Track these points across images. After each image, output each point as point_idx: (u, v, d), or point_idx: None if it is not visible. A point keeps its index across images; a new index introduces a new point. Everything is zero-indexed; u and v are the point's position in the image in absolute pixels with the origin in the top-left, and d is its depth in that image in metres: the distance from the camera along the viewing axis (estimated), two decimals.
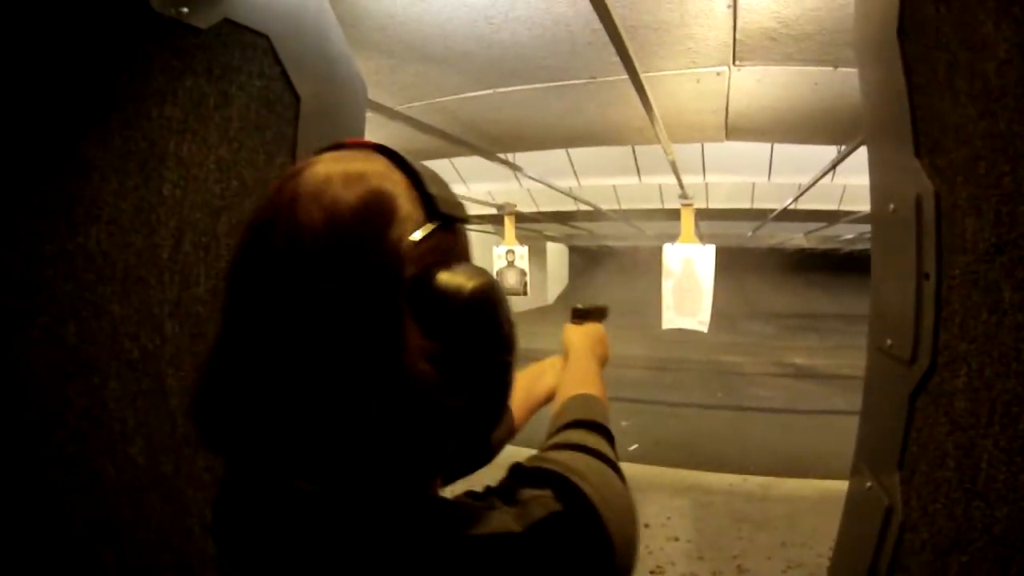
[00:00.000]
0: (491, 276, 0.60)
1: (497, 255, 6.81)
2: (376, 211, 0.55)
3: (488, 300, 0.58)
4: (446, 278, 0.56)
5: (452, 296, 0.55)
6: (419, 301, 0.55)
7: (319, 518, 0.54)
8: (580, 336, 1.21)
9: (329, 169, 0.57)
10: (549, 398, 1.14)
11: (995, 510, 0.67)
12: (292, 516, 0.55)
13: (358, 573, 0.52)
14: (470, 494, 0.61)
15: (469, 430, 0.61)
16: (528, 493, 0.59)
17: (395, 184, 0.58)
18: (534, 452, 0.76)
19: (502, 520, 0.55)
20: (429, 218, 0.58)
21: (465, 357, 0.57)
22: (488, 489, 0.62)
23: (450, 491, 0.65)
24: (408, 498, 0.56)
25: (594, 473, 0.66)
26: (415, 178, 0.60)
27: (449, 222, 0.61)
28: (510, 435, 1.09)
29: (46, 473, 0.96)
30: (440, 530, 0.54)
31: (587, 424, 0.83)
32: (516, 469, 0.65)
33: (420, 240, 0.56)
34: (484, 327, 0.58)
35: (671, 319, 5.04)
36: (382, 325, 0.52)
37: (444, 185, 0.63)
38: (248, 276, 0.56)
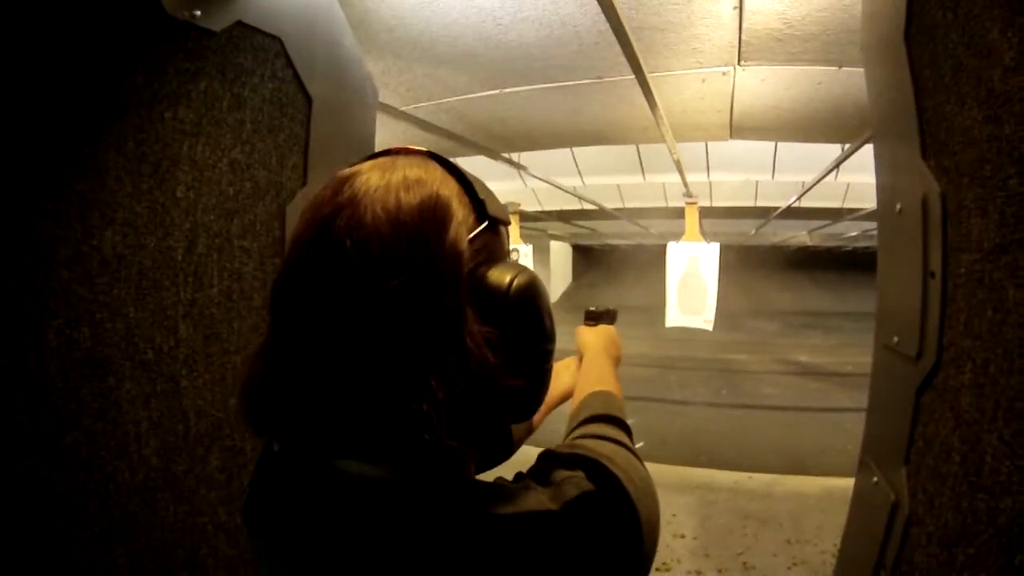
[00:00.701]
0: (533, 272, 0.66)
1: None
2: (435, 214, 0.59)
3: (533, 294, 0.65)
4: (497, 273, 0.63)
5: (504, 289, 0.62)
6: (475, 294, 0.61)
7: (365, 498, 0.57)
8: (594, 337, 1.25)
9: (387, 175, 0.61)
10: (565, 397, 1.17)
11: (1000, 502, 0.68)
12: (337, 497, 0.58)
13: (399, 551, 0.55)
14: (502, 479, 0.64)
15: (518, 411, 0.68)
16: (561, 474, 0.63)
17: (450, 190, 0.63)
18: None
19: (538, 499, 0.59)
20: (479, 221, 0.64)
21: (518, 344, 0.62)
22: (520, 474, 0.66)
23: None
24: (448, 480, 0.59)
25: (621, 458, 0.70)
26: (466, 184, 0.65)
27: (494, 224, 0.67)
28: (528, 432, 1.12)
29: (59, 474, 0.96)
30: (479, 509, 0.57)
31: (606, 418, 0.87)
32: (547, 454, 0.69)
33: (472, 240, 0.62)
34: (532, 317, 0.65)
35: (675, 317, 5.03)
36: (449, 315, 0.57)
37: (490, 192, 0.69)
38: (310, 272, 0.59)
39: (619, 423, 0.86)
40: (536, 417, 1.14)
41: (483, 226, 0.64)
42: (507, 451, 1.04)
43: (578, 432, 0.83)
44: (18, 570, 0.92)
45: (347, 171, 0.64)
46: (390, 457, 0.58)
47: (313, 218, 0.60)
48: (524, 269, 0.65)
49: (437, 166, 0.66)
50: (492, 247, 0.66)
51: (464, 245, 0.60)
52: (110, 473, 1.03)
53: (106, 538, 1.02)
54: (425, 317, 0.56)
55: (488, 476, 0.70)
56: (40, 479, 0.94)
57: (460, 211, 0.62)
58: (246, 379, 0.63)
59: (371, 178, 0.61)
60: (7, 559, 0.91)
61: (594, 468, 0.65)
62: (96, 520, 1.01)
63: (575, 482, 0.62)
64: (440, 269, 0.57)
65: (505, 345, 0.61)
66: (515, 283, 0.63)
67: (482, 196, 0.65)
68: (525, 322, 0.64)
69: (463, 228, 0.61)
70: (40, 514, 0.94)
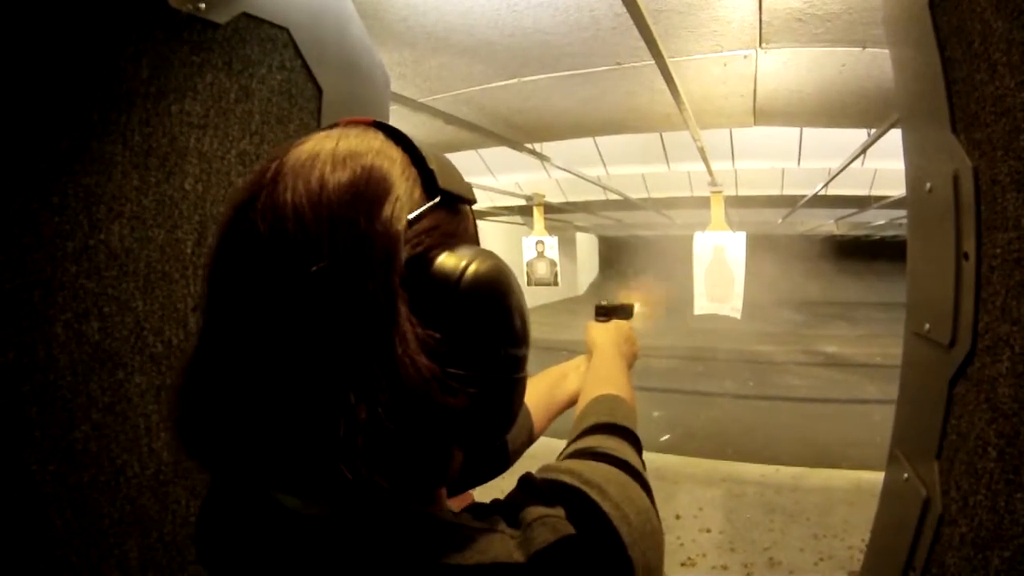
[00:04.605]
0: (499, 259, 0.54)
1: (527, 246, 6.79)
2: (367, 189, 0.49)
3: (494, 285, 0.52)
4: (446, 260, 0.51)
5: (453, 280, 0.50)
6: (417, 286, 0.49)
7: (301, 539, 0.50)
8: (605, 334, 1.16)
9: (318, 146, 0.52)
10: (572, 402, 1.09)
11: None
12: (273, 535, 0.51)
13: None
14: (475, 508, 0.56)
15: (476, 434, 0.54)
16: (536, 512, 0.52)
17: (391, 161, 0.53)
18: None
19: (504, 546, 0.49)
20: (429, 197, 0.53)
21: (469, 350, 0.51)
22: (495, 504, 0.56)
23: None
24: (400, 518, 0.50)
25: (615, 487, 0.59)
26: (415, 154, 0.55)
27: (451, 201, 0.56)
28: (529, 442, 1.05)
29: (69, 468, 0.97)
30: (428, 558, 0.48)
31: (610, 428, 0.78)
32: (526, 482, 0.59)
33: (418, 220, 0.51)
34: (490, 315, 0.52)
35: (703, 305, 4.98)
36: (373, 313, 0.46)
37: (447, 163, 0.58)
38: (227, 263, 0.51)
39: (625, 433, 0.77)
40: (538, 424, 1.08)
41: (433, 203, 0.53)
42: (502, 463, 0.98)
43: (575, 446, 0.73)
44: (29, 563, 0.92)
45: (282, 146, 0.55)
46: (318, 490, 0.49)
47: (232, 201, 0.52)
48: (485, 254, 0.53)
49: (378, 134, 0.56)
50: (449, 229, 0.54)
51: (401, 225, 0.49)
52: (120, 467, 1.03)
53: (118, 532, 1.03)
54: (344, 315, 0.46)
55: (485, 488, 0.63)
56: (49, 472, 0.94)
57: (402, 185, 0.51)
58: (173, 395, 0.55)
59: (300, 153, 0.52)
60: (18, 552, 0.91)
61: (578, 503, 0.54)
62: (107, 514, 1.01)
63: (551, 524, 0.51)
64: (368, 255, 0.47)
65: (455, 350, 0.49)
66: (469, 271, 0.50)
67: (433, 167, 0.54)
68: (481, 320, 0.51)
69: (403, 205, 0.50)
70: (50, 508, 0.94)
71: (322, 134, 0.55)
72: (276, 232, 0.47)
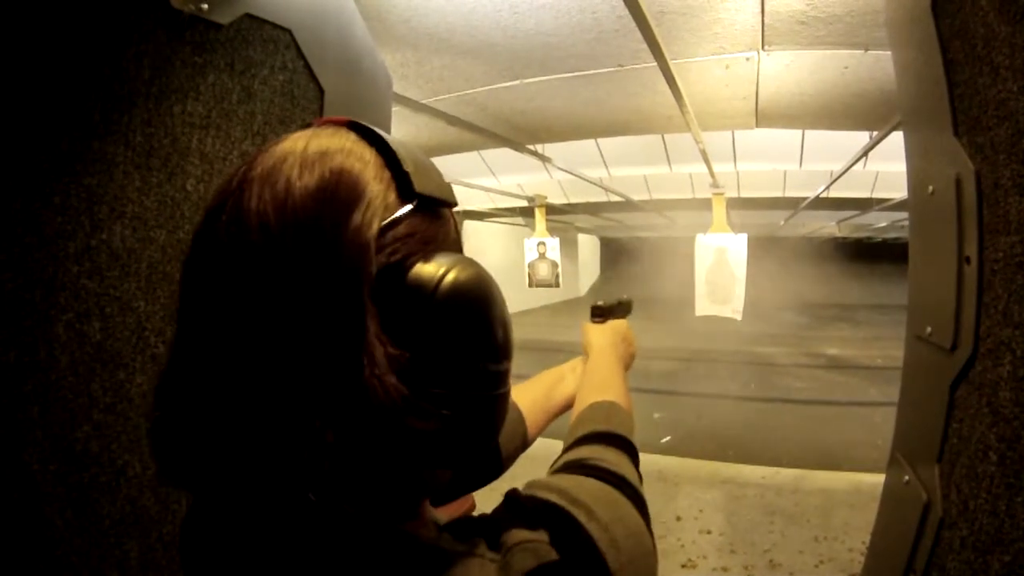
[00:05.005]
0: (479, 267, 0.51)
1: (528, 247, 6.80)
2: (336, 193, 0.46)
3: (473, 295, 0.49)
4: (421, 270, 0.47)
5: (429, 290, 0.47)
6: (388, 299, 0.46)
7: (273, 566, 0.47)
8: (601, 336, 1.13)
9: (286, 148, 0.49)
10: (569, 405, 1.05)
11: None
12: (246, 558, 0.49)
13: None
14: (458, 525, 0.53)
15: (455, 453, 0.50)
16: (518, 535, 0.49)
17: (363, 163, 0.49)
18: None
19: (482, 573, 0.46)
20: (405, 201, 0.50)
21: (447, 365, 0.47)
22: (480, 520, 0.53)
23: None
24: (377, 541, 0.48)
25: (604, 507, 0.56)
26: (389, 155, 0.51)
27: (430, 205, 0.52)
28: (523, 447, 1.03)
29: (70, 468, 0.96)
30: None
31: (606, 437, 0.75)
32: (511, 499, 0.56)
33: (392, 227, 0.48)
34: (468, 327, 0.49)
35: (704, 307, 4.98)
36: (340, 329, 0.44)
37: (426, 164, 0.54)
38: (195, 275, 0.48)
39: (621, 443, 0.74)
40: (534, 429, 1.05)
41: (408, 208, 0.49)
42: (494, 470, 0.95)
43: (569, 456, 0.70)
44: (29, 563, 0.92)
45: (256, 150, 0.52)
46: (287, 514, 0.47)
47: (207, 207, 0.50)
48: (464, 261, 0.50)
49: (350, 134, 0.52)
50: (427, 235, 0.50)
51: (372, 233, 0.46)
52: (121, 467, 1.03)
53: (118, 532, 1.02)
54: (309, 331, 0.43)
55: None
56: (50, 472, 0.94)
57: (375, 188, 0.48)
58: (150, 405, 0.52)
59: (269, 156, 0.49)
60: (18, 551, 0.91)
61: (564, 526, 0.52)
62: (107, 514, 1.01)
63: (532, 549, 0.48)
64: (336, 266, 0.44)
65: (432, 366, 0.46)
66: (446, 280, 0.47)
67: (409, 169, 0.50)
68: (460, 333, 0.48)
69: (375, 211, 0.47)
70: (51, 507, 0.94)
71: (294, 135, 0.52)
72: (240, 243, 0.45)
